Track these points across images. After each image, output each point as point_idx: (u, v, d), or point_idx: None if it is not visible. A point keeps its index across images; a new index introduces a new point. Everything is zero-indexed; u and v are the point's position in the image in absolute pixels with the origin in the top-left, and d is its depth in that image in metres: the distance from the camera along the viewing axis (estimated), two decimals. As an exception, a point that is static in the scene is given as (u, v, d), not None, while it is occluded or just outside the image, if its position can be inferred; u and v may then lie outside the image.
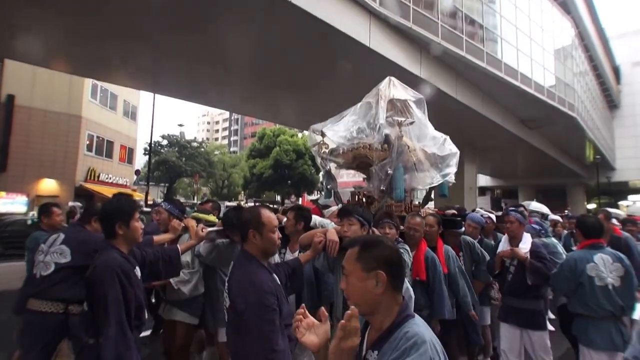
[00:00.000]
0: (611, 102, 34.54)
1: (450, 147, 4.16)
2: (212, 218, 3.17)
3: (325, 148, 4.00)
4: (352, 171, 4.37)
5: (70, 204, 14.45)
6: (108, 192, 21.03)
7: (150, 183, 23.89)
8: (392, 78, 4.16)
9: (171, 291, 3.00)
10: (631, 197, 33.96)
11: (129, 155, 24.79)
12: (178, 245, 2.51)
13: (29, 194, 17.63)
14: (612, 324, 2.69)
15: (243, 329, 1.71)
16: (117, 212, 1.96)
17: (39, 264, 2.43)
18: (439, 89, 13.03)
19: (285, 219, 3.02)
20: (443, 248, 3.25)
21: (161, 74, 13.25)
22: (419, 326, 1.15)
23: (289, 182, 27.99)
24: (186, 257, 2.87)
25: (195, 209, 5.16)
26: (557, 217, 6.77)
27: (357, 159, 3.88)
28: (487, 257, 3.63)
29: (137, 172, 20.22)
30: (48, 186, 18.52)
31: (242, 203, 38.26)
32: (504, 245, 3.28)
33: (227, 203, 37.35)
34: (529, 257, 3.05)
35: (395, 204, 3.74)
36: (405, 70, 11.41)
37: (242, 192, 38.84)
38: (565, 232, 6.34)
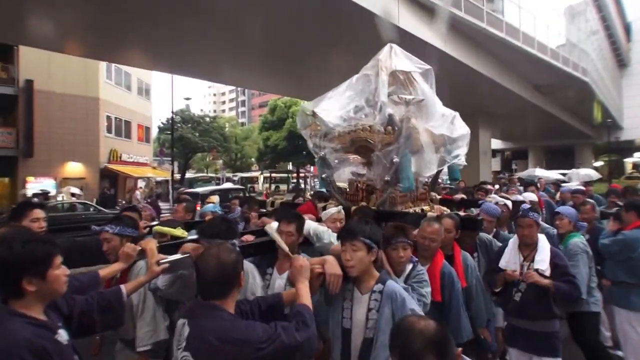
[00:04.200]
0: (621, 62, 34.16)
1: (460, 126, 3.75)
2: (178, 232, 2.57)
3: (319, 130, 3.42)
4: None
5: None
6: (131, 171, 21.82)
7: (167, 159, 24.46)
8: (394, 45, 3.59)
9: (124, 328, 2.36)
10: (636, 154, 34.60)
11: (146, 134, 25.21)
12: (122, 286, 1.82)
13: (56, 177, 18.32)
14: None
15: None
16: (26, 262, 1.30)
17: None
18: (460, 61, 13.27)
19: (274, 223, 2.40)
20: (461, 256, 2.67)
21: (177, 54, 13.27)
22: None
23: (304, 152, 28.51)
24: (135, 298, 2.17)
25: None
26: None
27: (356, 142, 3.34)
28: None
29: (161, 151, 20.71)
30: (74, 169, 19.17)
31: (257, 174, 38.94)
32: (512, 253, 2.68)
33: (241, 174, 38.19)
34: (549, 272, 2.49)
35: (400, 194, 3.27)
36: (430, 45, 11.61)
37: (256, 164, 39.45)
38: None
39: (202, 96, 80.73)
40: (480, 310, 2.68)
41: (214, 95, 79.65)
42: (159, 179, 25.67)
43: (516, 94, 17.63)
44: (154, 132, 29.24)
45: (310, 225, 2.47)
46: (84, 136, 19.31)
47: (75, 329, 1.58)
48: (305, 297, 1.61)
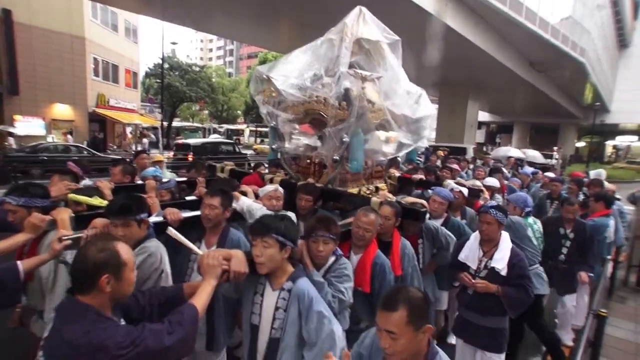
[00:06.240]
0: (622, 41, 33.56)
1: (425, 106, 3.58)
2: (96, 202, 2.28)
3: (273, 97, 3.22)
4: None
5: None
6: (119, 116, 21.48)
7: (155, 106, 24.00)
8: (364, 9, 3.29)
9: (35, 297, 2.07)
10: (619, 138, 35.35)
11: (133, 79, 24.49)
12: (19, 263, 1.65)
13: (44, 118, 17.99)
14: (600, 266, 3.88)
15: None
16: None
17: None
18: (458, 33, 13.15)
19: (204, 196, 2.27)
20: (400, 245, 2.57)
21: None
22: None
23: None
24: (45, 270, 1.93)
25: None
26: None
27: (310, 114, 3.14)
28: (454, 242, 2.94)
29: (150, 100, 20.29)
30: (62, 111, 18.83)
31: (243, 127, 38.37)
32: (472, 248, 2.63)
33: (227, 126, 37.70)
34: (505, 271, 2.46)
35: (351, 174, 3.15)
36: (428, 14, 11.30)
37: (243, 117, 38.85)
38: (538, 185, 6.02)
39: (188, 41, 76.38)
40: None
41: (201, 41, 75.16)
42: (145, 125, 25.36)
43: (510, 70, 17.67)
44: (140, 77, 28.39)
45: (244, 202, 2.51)
46: (71, 77, 18.72)
47: None
48: (201, 296, 1.47)
